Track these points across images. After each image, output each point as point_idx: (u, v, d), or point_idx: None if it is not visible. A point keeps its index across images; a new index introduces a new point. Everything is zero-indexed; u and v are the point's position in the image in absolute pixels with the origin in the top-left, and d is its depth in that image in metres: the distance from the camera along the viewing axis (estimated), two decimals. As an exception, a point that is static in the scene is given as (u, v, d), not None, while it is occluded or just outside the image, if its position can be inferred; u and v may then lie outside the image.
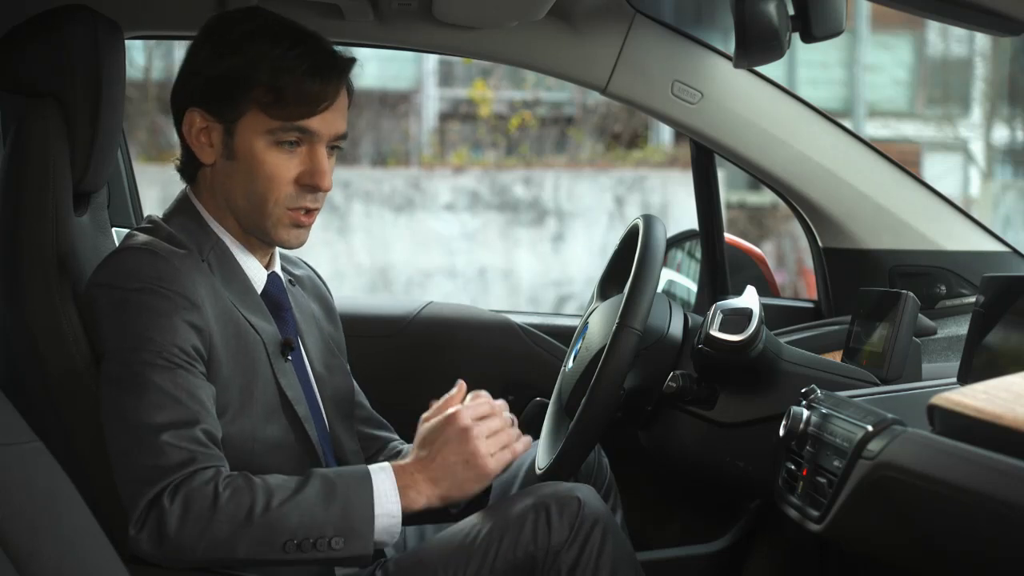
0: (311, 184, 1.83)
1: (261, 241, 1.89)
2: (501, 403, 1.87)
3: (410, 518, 1.77)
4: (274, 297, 1.92)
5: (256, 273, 1.90)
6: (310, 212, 1.86)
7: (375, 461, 2.06)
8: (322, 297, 2.10)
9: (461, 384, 1.90)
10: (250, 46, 1.82)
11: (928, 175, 10.34)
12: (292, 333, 1.93)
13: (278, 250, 1.97)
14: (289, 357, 1.88)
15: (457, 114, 11.19)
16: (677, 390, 1.97)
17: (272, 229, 1.86)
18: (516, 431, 1.84)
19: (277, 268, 1.96)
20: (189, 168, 1.90)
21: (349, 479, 1.74)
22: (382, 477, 1.75)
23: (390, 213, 9.79)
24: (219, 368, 1.78)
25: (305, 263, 2.13)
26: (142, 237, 1.82)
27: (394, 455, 2.05)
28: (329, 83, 1.82)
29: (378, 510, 1.72)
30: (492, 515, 1.80)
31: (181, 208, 1.90)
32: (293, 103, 1.80)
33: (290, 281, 2.02)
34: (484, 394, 1.90)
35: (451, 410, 1.82)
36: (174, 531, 1.67)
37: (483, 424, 1.80)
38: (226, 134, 1.84)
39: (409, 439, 2.14)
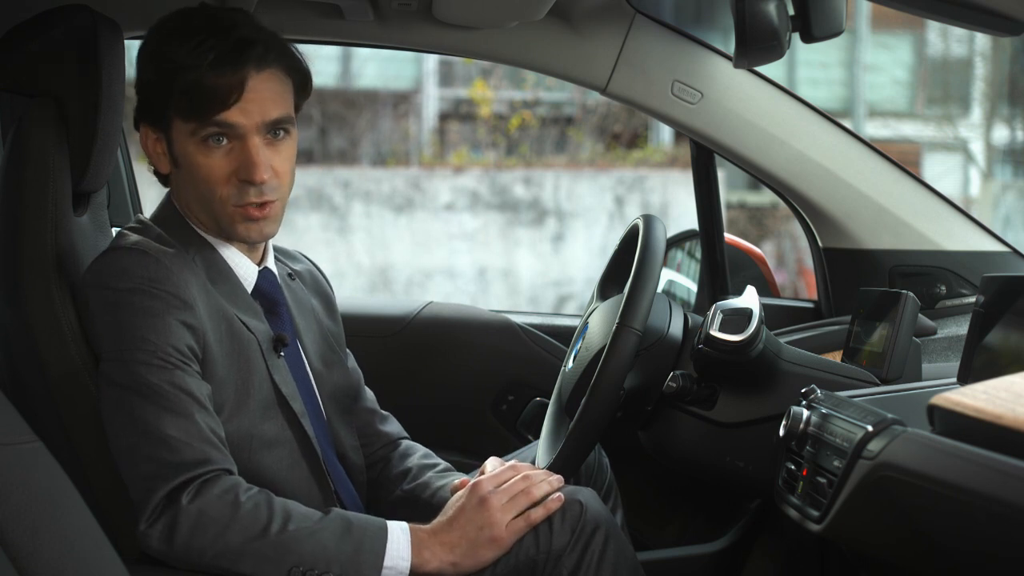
0: (246, 179, 1.80)
1: (230, 240, 1.88)
2: (525, 464, 1.87)
3: None
4: (266, 293, 1.91)
5: (246, 270, 1.90)
6: (263, 205, 1.83)
7: (385, 459, 2.07)
8: (322, 292, 2.09)
9: (487, 462, 1.91)
10: (160, 52, 1.80)
11: (928, 175, 10.35)
12: (287, 329, 1.92)
13: (271, 245, 1.96)
14: (282, 353, 1.88)
15: (457, 114, 11.20)
16: (677, 390, 1.97)
17: (229, 227, 1.84)
18: (538, 492, 1.79)
19: (270, 263, 1.95)
20: (159, 177, 1.91)
21: (367, 525, 1.74)
22: (398, 533, 1.74)
23: (390, 213, 9.79)
24: (214, 367, 1.78)
25: (305, 257, 2.12)
26: (132, 237, 1.82)
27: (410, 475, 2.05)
28: (235, 73, 1.78)
29: (387, 562, 1.71)
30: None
31: (164, 212, 1.90)
32: (203, 100, 1.77)
33: (289, 275, 2.01)
34: (495, 460, 1.91)
35: (474, 480, 1.83)
36: (187, 530, 1.67)
37: (502, 492, 1.78)
38: (168, 143, 1.84)
39: (409, 439, 2.15)
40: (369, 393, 2.13)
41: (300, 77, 1.87)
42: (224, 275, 1.86)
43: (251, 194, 1.81)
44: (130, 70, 1.95)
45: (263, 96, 1.80)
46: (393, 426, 2.13)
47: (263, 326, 1.87)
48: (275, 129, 1.82)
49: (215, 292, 1.82)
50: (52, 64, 1.89)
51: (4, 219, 1.87)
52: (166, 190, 1.93)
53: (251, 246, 1.90)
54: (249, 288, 1.89)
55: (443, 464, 2.06)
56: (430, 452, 2.09)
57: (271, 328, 1.88)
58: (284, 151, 1.84)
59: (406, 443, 2.11)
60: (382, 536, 1.73)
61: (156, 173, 1.91)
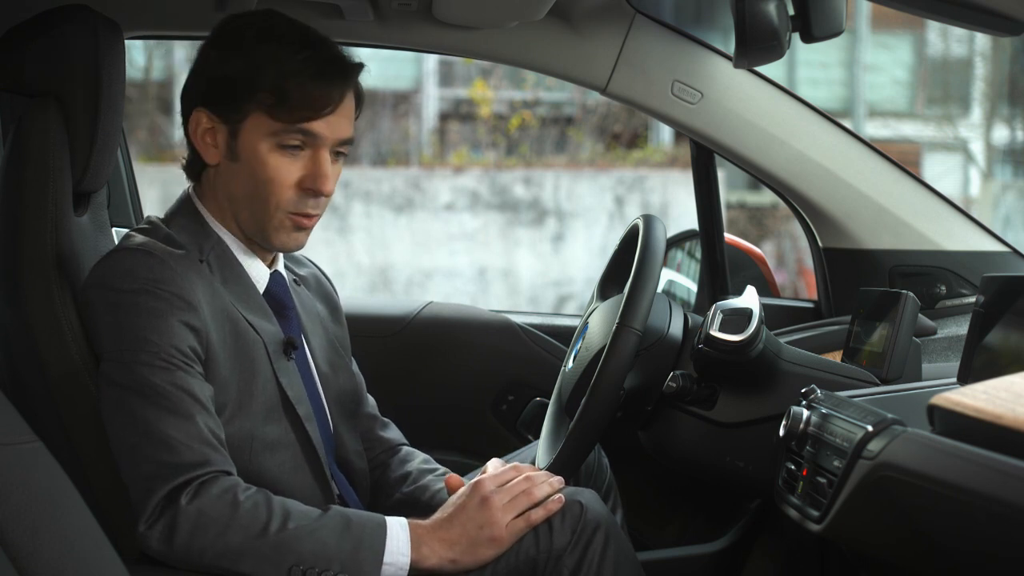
0: (313, 188, 1.83)
1: (261, 245, 1.89)
2: (527, 466, 1.87)
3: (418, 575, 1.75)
4: (277, 296, 1.92)
5: (258, 273, 1.90)
6: (311, 216, 1.86)
7: (384, 464, 2.08)
8: (327, 296, 2.10)
9: (489, 463, 1.92)
10: (256, 49, 1.81)
11: (928, 175, 10.35)
12: (296, 332, 1.93)
13: None
14: (292, 356, 1.88)
15: (457, 114, 11.20)
16: (677, 390, 1.97)
17: (273, 232, 1.85)
18: (539, 492, 1.80)
19: (280, 267, 1.96)
20: (194, 168, 1.90)
21: (366, 521, 1.74)
22: (397, 529, 1.74)
23: (390, 213, 9.79)
24: (217, 368, 1.78)
25: (311, 262, 2.13)
26: (139, 238, 1.82)
27: (409, 478, 2.05)
28: (334, 87, 1.82)
29: (387, 558, 1.71)
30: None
31: (183, 208, 1.90)
32: (297, 106, 1.80)
33: (295, 280, 2.01)
34: (497, 462, 1.91)
35: (476, 478, 1.83)
36: (187, 531, 1.67)
37: (503, 492, 1.79)
38: (230, 135, 1.84)
39: (409, 439, 2.15)
40: (371, 399, 2.14)
41: (359, 103, 1.90)
42: (237, 276, 1.87)
43: (309, 205, 1.84)
44: (131, 70, 1.95)
45: (345, 114, 1.85)
46: (393, 432, 2.13)
47: (272, 328, 1.87)
48: (338, 149, 1.86)
49: (225, 292, 1.82)
50: (52, 64, 1.89)
51: (4, 219, 1.87)
52: (176, 188, 1.93)
53: (265, 250, 1.91)
54: (261, 290, 1.90)
55: (442, 469, 2.06)
56: (429, 458, 2.09)
57: (281, 331, 1.88)
58: (337, 170, 1.88)
59: (406, 449, 2.11)
60: (381, 532, 1.73)
61: (189, 164, 1.90)
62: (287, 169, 1.82)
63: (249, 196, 1.84)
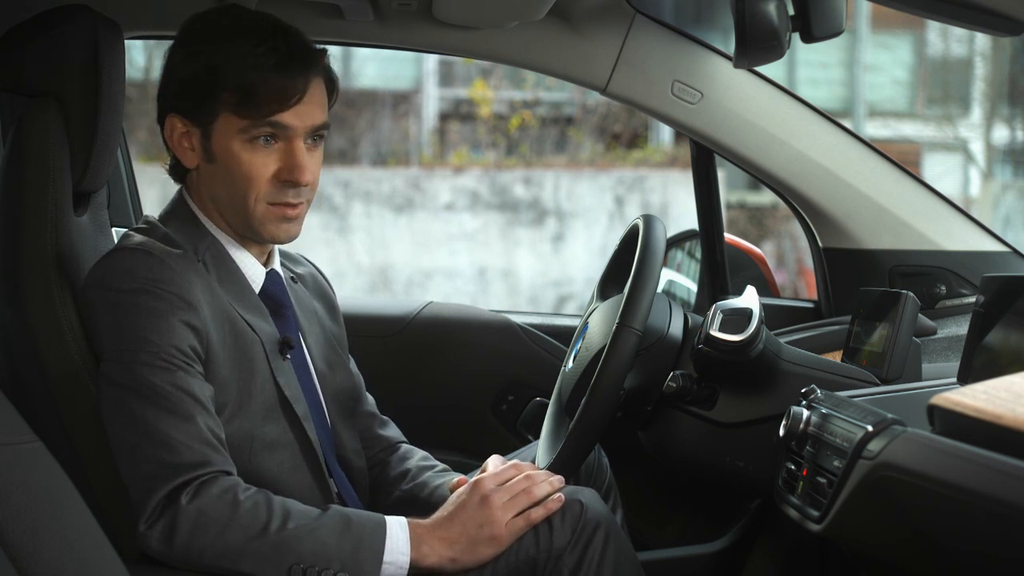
0: (290, 179, 1.82)
1: (253, 240, 1.89)
2: (528, 464, 1.87)
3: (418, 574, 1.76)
4: (273, 295, 1.92)
5: (254, 271, 1.90)
6: (295, 206, 1.85)
7: (384, 462, 2.08)
8: (324, 295, 2.10)
9: (489, 460, 1.92)
10: (215, 48, 1.81)
11: (928, 175, 10.35)
12: (292, 331, 1.93)
13: (278, 248, 1.97)
14: (288, 356, 1.88)
15: (457, 114, 11.20)
16: (677, 390, 1.97)
17: (259, 226, 1.85)
18: (539, 491, 1.80)
19: (276, 265, 1.96)
20: (177, 172, 1.91)
21: (366, 521, 1.75)
22: (397, 528, 1.75)
23: (390, 213, 9.79)
24: (216, 368, 1.78)
25: (308, 260, 2.13)
26: (138, 238, 1.82)
27: (409, 476, 2.05)
28: (297, 77, 1.81)
29: (387, 557, 1.72)
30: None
31: (176, 209, 1.90)
32: (263, 100, 1.79)
33: (292, 279, 2.01)
34: (497, 459, 1.91)
35: (476, 477, 1.83)
36: (187, 531, 1.67)
37: (503, 490, 1.79)
38: (203, 137, 1.84)
39: (409, 439, 2.15)
40: (369, 398, 2.14)
41: (333, 88, 1.90)
42: (232, 275, 1.87)
43: (289, 195, 1.84)
44: (131, 70, 1.95)
45: (315, 101, 1.84)
46: (392, 430, 2.13)
47: (269, 328, 1.87)
48: (315, 135, 1.85)
49: (221, 292, 1.83)
50: (52, 64, 1.89)
51: (4, 219, 1.87)
52: (175, 188, 1.93)
53: (261, 248, 1.91)
54: (257, 289, 1.90)
55: (441, 465, 2.06)
56: (428, 455, 2.09)
57: (277, 330, 1.88)
58: (317, 157, 1.87)
59: (405, 447, 2.12)
60: (381, 531, 1.73)
61: (172, 168, 1.91)
62: (262, 162, 1.82)
63: (230, 194, 1.84)
